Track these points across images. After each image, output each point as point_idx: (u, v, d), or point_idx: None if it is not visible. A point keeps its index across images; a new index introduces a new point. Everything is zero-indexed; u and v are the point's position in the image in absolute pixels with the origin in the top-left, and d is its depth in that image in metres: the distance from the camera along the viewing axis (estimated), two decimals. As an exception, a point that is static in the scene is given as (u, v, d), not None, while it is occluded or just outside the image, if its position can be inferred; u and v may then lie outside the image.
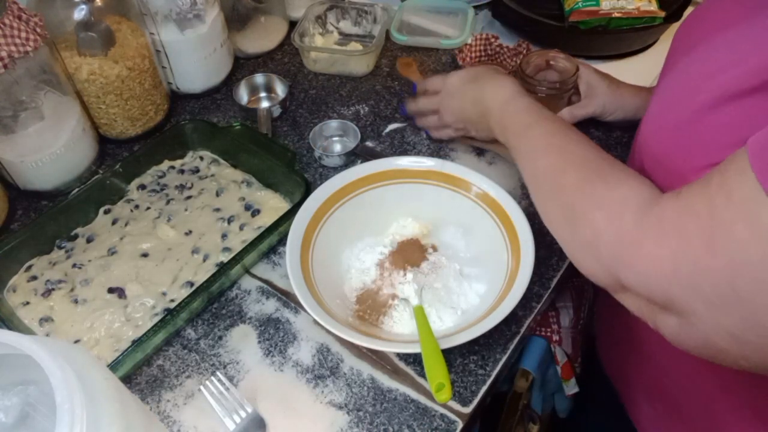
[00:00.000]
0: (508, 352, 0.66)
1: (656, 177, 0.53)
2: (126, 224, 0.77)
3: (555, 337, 0.91)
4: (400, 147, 0.88)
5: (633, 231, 0.45)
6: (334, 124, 0.89)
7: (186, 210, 0.78)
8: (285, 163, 0.78)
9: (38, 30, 0.70)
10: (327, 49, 1.02)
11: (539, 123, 0.62)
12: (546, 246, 0.75)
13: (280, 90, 0.96)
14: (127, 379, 0.65)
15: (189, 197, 0.80)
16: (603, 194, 0.50)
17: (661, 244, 0.43)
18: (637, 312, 0.48)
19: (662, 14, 0.95)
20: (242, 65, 1.04)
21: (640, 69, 0.98)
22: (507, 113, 0.67)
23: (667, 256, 0.42)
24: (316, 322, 0.65)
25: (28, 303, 0.69)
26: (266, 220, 0.76)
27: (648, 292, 0.44)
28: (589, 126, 0.89)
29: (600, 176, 0.52)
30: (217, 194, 0.80)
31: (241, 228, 0.76)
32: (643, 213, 0.45)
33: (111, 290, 0.70)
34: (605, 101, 0.82)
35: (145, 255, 0.74)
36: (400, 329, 0.66)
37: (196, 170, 0.84)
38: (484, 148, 0.85)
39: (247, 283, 0.73)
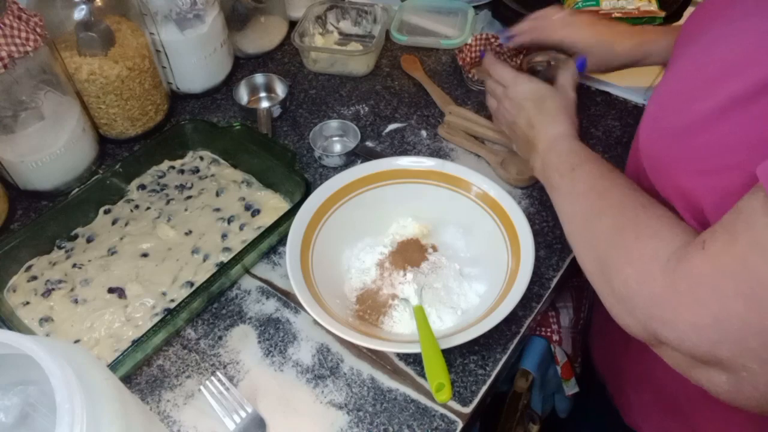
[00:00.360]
0: (508, 352, 0.66)
1: (656, 180, 0.52)
2: (126, 224, 0.77)
3: (555, 337, 0.91)
4: (400, 147, 0.88)
5: (666, 291, 0.44)
6: (334, 124, 0.89)
7: (186, 210, 0.78)
8: (285, 163, 0.78)
9: (38, 30, 0.70)
10: (327, 49, 1.02)
11: (584, 165, 0.60)
12: (546, 246, 0.75)
13: (280, 90, 0.96)
14: (127, 379, 0.65)
15: (189, 197, 0.80)
16: (633, 247, 0.49)
17: (700, 307, 0.42)
18: (677, 367, 0.47)
19: (662, 14, 0.95)
20: (242, 65, 1.04)
21: (640, 69, 0.97)
22: (552, 151, 0.65)
23: (708, 319, 0.41)
24: (316, 322, 0.65)
25: (28, 303, 0.69)
26: (266, 220, 0.76)
27: (691, 351, 0.43)
28: (590, 126, 0.89)
29: (633, 224, 0.50)
30: (217, 194, 0.80)
31: (241, 228, 0.76)
32: (672, 270, 0.44)
33: (111, 290, 0.70)
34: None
35: (145, 255, 0.74)
36: (400, 329, 0.66)
37: (196, 170, 0.84)
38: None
39: (247, 283, 0.73)
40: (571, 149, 0.63)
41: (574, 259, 0.75)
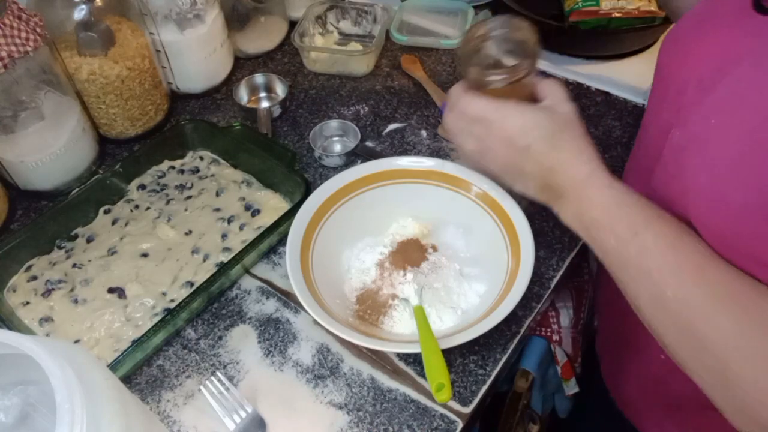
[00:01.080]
0: (508, 352, 0.66)
1: (728, 253, 0.45)
2: (126, 224, 0.77)
3: (555, 337, 0.91)
4: (400, 147, 0.88)
5: None
6: (334, 124, 0.89)
7: (186, 210, 0.78)
8: (285, 163, 0.78)
9: (38, 30, 0.70)
10: (327, 49, 1.02)
11: (648, 226, 0.48)
12: (546, 246, 0.75)
13: (280, 90, 0.96)
14: (127, 379, 0.65)
15: (189, 197, 0.80)
16: (763, 351, 0.41)
17: None
18: None
19: (662, 14, 0.95)
20: (242, 65, 1.04)
21: (640, 69, 0.98)
22: (590, 201, 0.52)
23: None
24: (316, 322, 0.65)
25: (28, 303, 0.69)
26: (266, 220, 0.76)
27: None
28: (589, 125, 0.89)
29: (756, 321, 0.42)
30: (217, 194, 0.80)
31: (241, 228, 0.76)
32: None
33: (111, 290, 0.70)
34: None
35: (145, 255, 0.74)
36: (400, 329, 0.66)
37: (196, 170, 0.84)
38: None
39: (247, 283, 0.74)
40: (616, 197, 0.51)
41: (574, 259, 0.75)
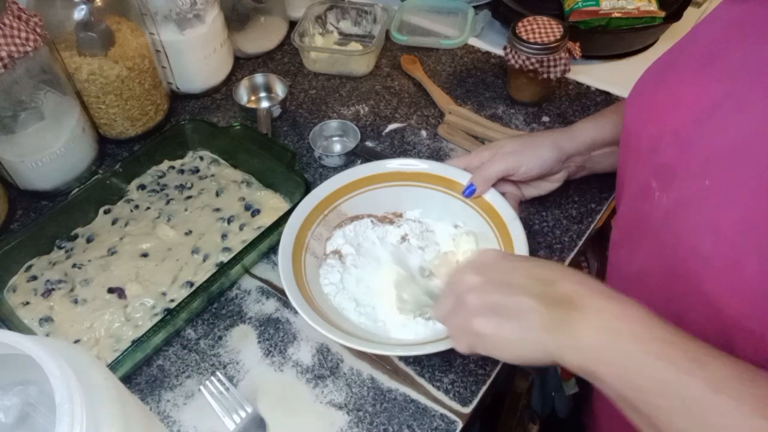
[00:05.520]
0: (508, 352, 0.66)
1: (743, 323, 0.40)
2: (126, 224, 0.77)
3: (555, 337, 0.91)
4: (400, 147, 0.88)
5: None
6: (334, 124, 0.89)
7: (186, 210, 0.78)
8: (285, 163, 0.78)
9: (38, 30, 0.70)
10: (327, 49, 1.02)
11: (708, 350, 0.38)
12: (546, 246, 0.75)
13: (280, 90, 0.96)
14: (127, 379, 0.65)
15: (189, 197, 0.80)
16: None
17: None
18: None
19: (662, 14, 0.95)
20: (242, 65, 1.04)
21: (639, 69, 0.97)
22: (609, 312, 0.42)
23: None
24: (315, 323, 0.65)
25: (28, 303, 0.69)
26: (266, 220, 0.76)
27: None
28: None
29: None
30: (217, 194, 0.80)
31: (241, 228, 0.76)
32: None
33: (111, 290, 0.70)
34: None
35: (145, 255, 0.74)
36: (399, 334, 0.65)
37: (196, 170, 0.84)
38: None
39: (247, 283, 0.74)
40: (645, 312, 0.41)
41: (574, 259, 0.75)
